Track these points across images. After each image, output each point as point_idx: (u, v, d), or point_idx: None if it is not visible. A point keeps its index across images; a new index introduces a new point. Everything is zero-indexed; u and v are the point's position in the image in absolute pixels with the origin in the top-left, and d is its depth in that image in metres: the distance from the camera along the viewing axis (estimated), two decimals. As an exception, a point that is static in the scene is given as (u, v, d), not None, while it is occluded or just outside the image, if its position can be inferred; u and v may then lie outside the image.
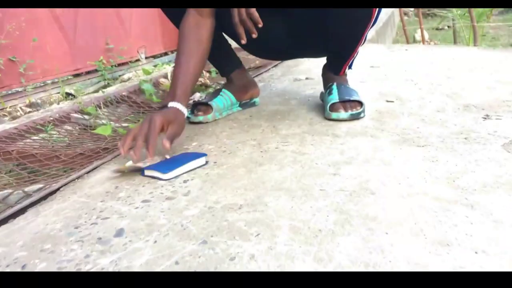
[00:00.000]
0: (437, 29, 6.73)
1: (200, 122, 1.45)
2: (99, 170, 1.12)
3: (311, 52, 1.59)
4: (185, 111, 1.20)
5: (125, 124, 1.70)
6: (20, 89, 1.96)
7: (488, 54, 2.50)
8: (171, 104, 1.18)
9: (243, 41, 1.23)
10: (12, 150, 1.39)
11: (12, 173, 1.34)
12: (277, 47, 1.54)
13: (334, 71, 1.50)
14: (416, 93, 1.65)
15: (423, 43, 3.93)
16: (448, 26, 6.29)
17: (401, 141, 1.16)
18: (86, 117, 1.76)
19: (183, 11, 1.33)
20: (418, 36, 4.97)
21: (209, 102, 1.48)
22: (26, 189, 1.09)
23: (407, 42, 3.90)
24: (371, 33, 2.53)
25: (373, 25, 1.29)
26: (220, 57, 1.60)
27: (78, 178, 1.07)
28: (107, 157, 1.22)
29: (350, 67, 1.49)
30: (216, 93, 1.55)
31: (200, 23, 1.30)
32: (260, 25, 1.20)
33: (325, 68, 1.56)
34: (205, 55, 1.31)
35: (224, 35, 1.57)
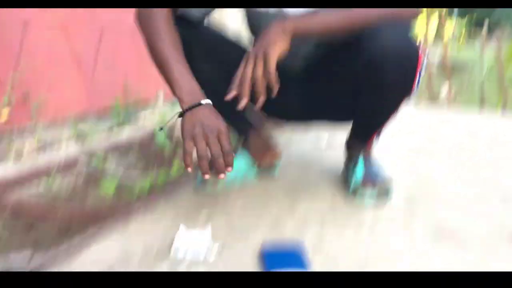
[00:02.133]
0: (463, 84, 6.63)
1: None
2: (90, 248, 1.00)
3: (333, 119, 1.44)
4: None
5: (133, 173, 1.61)
6: (30, 127, 1.89)
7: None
8: (205, 101, 1.01)
9: (243, 104, 1.02)
10: (7, 204, 1.28)
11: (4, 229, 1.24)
12: (295, 111, 1.42)
13: (360, 139, 1.36)
14: (448, 172, 1.52)
15: (449, 104, 3.83)
16: (476, 81, 6.19)
17: (437, 236, 1.02)
18: (94, 162, 1.67)
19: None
20: (444, 90, 4.88)
21: None
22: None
23: (433, 102, 3.81)
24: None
25: (409, 97, 1.16)
26: (234, 114, 1.46)
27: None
28: (104, 226, 1.11)
29: (378, 137, 1.35)
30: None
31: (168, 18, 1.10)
32: (275, 91, 1.03)
33: (349, 140, 1.42)
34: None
35: None
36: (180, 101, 1.00)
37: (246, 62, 1.02)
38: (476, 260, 0.92)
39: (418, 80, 1.11)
